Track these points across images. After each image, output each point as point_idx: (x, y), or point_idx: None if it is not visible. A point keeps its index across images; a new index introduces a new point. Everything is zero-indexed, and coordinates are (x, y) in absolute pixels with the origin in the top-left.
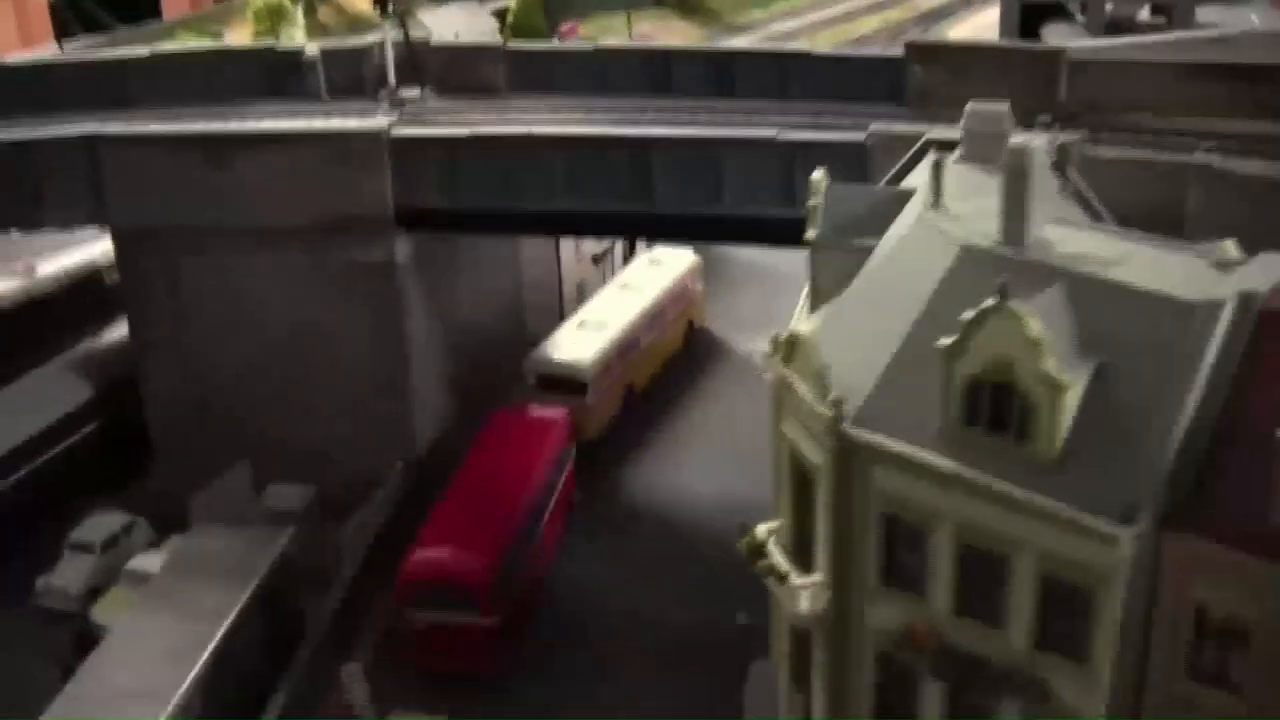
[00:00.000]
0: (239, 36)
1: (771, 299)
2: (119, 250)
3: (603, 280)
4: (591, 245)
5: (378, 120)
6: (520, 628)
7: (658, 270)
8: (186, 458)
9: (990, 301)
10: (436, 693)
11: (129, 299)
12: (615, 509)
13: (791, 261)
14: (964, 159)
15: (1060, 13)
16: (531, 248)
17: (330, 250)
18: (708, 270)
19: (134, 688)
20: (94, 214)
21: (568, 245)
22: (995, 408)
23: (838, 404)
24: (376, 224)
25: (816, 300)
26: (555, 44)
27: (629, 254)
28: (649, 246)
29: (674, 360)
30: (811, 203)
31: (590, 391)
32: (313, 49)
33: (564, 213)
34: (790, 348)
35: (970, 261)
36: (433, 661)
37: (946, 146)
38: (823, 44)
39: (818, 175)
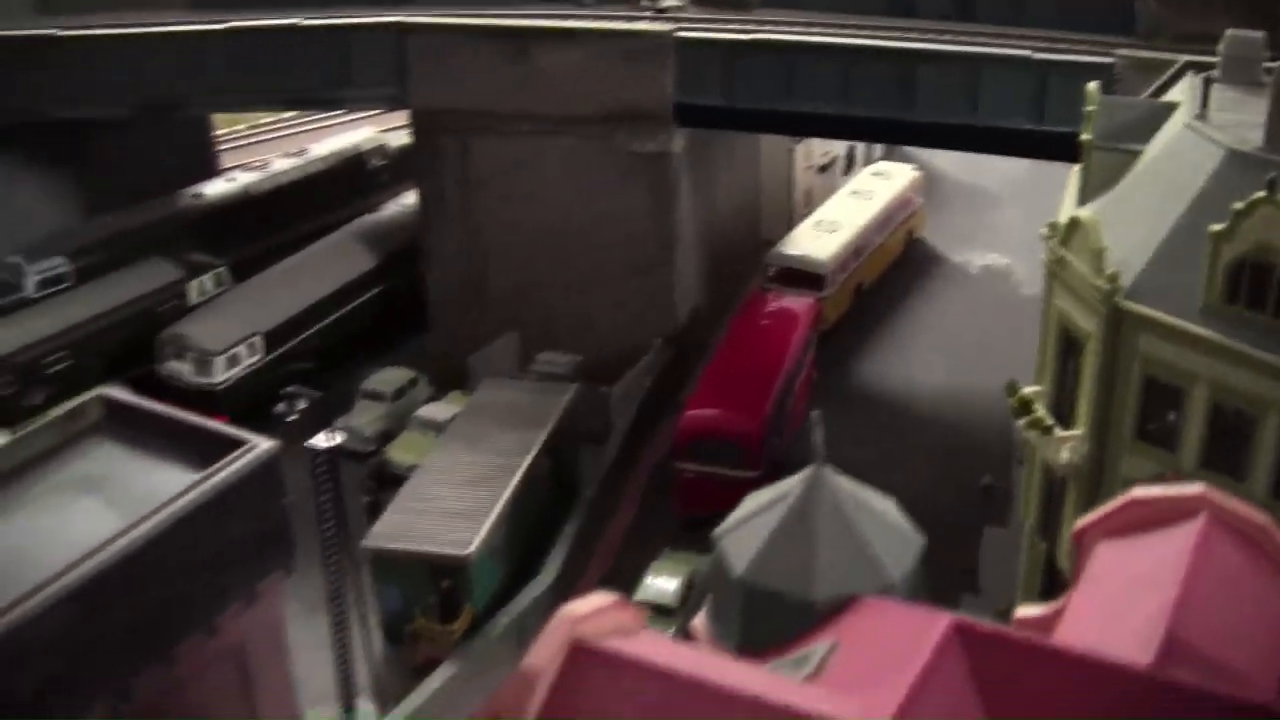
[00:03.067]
0: None
1: (980, 215)
2: (416, 130)
3: (826, 189)
4: (817, 156)
5: (663, 25)
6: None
7: (883, 181)
8: (458, 325)
9: (1260, 194)
10: (698, 536)
11: (421, 176)
12: (848, 391)
13: (994, 181)
14: (1221, 79)
15: None
16: (768, 156)
17: (613, 139)
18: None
19: (452, 508)
20: (395, 96)
21: (798, 154)
22: (1254, 287)
23: (1114, 278)
24: (658, 117)
25: (1086, 194)
26: None
27: (849, 166)
28: (873, 160)
29: (895, 265)
30: (1087, 109)
31: (826, 285)
32: None
33: (831, 116)
34: (1070, 230)
35: (1236, 163)
36: (697, 508)
37: (1202, 69)
38: None
39: (1093, 87)
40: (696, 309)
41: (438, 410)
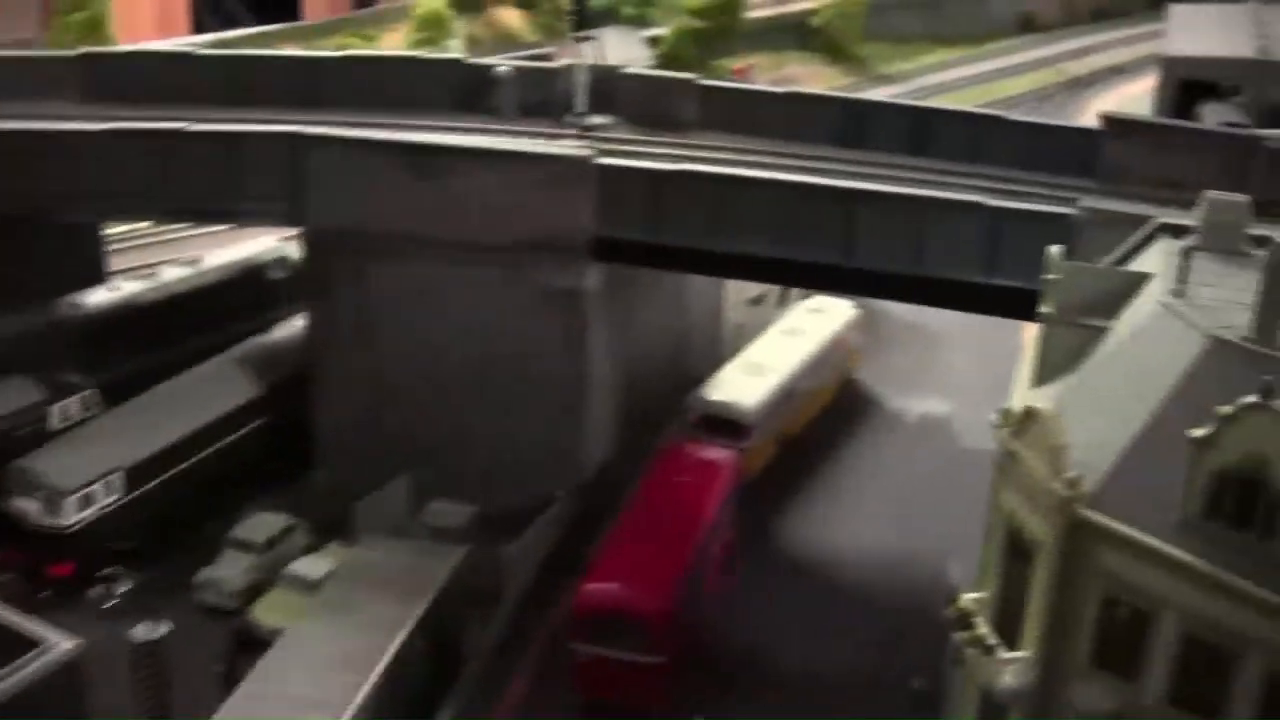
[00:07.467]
0: (393, 43)
1: (922, 355)
2: (309, 250)
3: (760, 323)
4: (751, 288)
5: (585, 148)
6: (683, 665)
7: (818, 319)
8: (349, 464)
9: (1252, 398)
10: None
11: (312, 299)
12: (769, 557)
13: (941, 320)
14: (1200, 247)
15: (1217, 93)
16: (699, 285)
17: (523, 270)
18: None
19: (309, 694)
20: (291, 211)
21: (730, 287)
22: (1241, 503)
23: (1074, 483)
24: (573, 250)
25: (1043, 375)
26: (747, 85)
27: (783, 298)
28: (806, 295)
29: (827, 409)
30: (1047, 277)
31: (751, 435)
32: (505, 66)
33: (762, 258)
34: (1024, 421)
35: (1219, 354)
36: (599, 693)
37: (1176, 231)
38: (968, 102)
39: (1054, 251)
40: (609, 457)
41: (312, 566)
